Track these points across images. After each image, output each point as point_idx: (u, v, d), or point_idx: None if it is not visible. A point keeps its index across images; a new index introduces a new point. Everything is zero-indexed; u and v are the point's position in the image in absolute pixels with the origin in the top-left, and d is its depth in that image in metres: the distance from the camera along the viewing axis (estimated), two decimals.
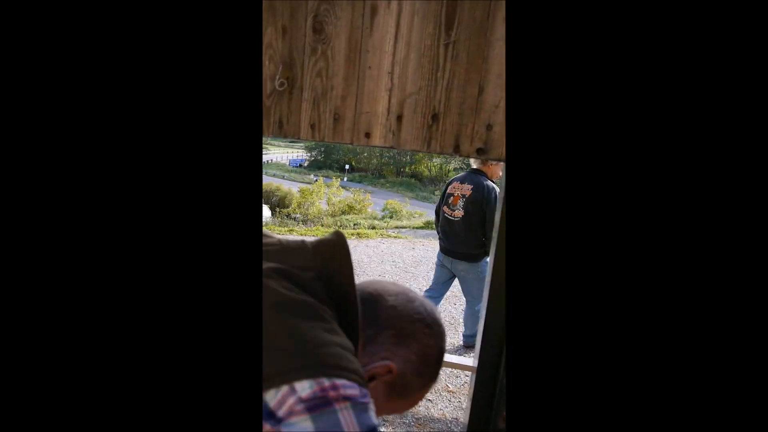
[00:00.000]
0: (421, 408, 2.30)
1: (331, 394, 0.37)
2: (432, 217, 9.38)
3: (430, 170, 23.01)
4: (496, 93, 0.70)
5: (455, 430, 2.11)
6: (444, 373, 2.55)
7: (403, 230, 7.68)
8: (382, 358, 0.50)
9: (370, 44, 0.73)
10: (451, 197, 2.58)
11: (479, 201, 2.47)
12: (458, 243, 2.58)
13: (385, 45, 0.73)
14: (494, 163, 2.45)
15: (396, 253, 5.08)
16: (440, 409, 2.31)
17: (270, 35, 0.75)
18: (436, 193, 17.56)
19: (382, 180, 22.74)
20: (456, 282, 2.78)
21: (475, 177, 2.53)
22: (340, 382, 0.38)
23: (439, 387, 2.47)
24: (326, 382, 0.37)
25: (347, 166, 24.55)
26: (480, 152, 0.73)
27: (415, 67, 0.72)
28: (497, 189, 2.40)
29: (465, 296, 2.75)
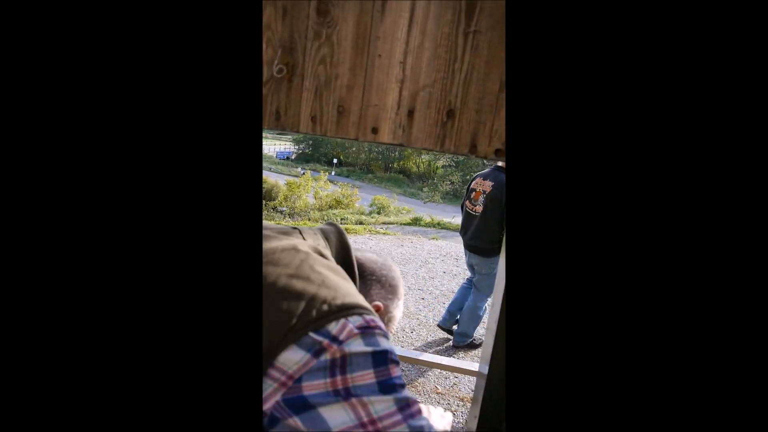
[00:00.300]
0: None
1: (371, 324, 0.56)
2: (420, 214, 9.37)
3: (418, 166, 23.01)
4: None
5: None
6: (433, 374, 2.53)
7: (391, 226, 7.64)
8: (371, 301, 0.73)
9: (380, 30, 0.66)
10: (473, 192, 2.62)
11: (498, 198, 2.48)
12: (474, 237, 2.61)
13: (397, 32, 0.66)
14: None
15: (385, 250, 5.02)
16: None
17: (269, 15, 0.67)
18: (424, 189, 17.57)
19: (369, 175, 22.69)
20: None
21: (498, 174, 2.55)
22: (374, 318, 0.57)
23: (428, 389, 2.43)
24: (367, 317, 0.56)
25: (335, 160, 24.41)
26: (498, 153, 0.67)
27: (430, 57, 0.65)
28: None
29: (473, 289, 2.77)
